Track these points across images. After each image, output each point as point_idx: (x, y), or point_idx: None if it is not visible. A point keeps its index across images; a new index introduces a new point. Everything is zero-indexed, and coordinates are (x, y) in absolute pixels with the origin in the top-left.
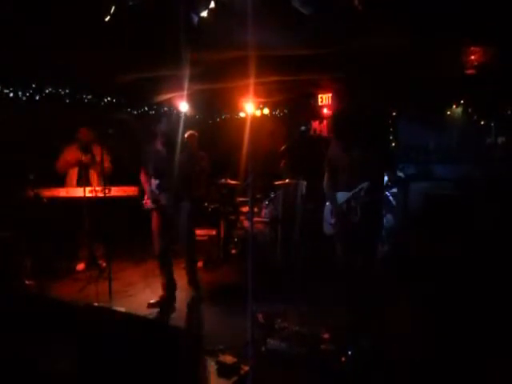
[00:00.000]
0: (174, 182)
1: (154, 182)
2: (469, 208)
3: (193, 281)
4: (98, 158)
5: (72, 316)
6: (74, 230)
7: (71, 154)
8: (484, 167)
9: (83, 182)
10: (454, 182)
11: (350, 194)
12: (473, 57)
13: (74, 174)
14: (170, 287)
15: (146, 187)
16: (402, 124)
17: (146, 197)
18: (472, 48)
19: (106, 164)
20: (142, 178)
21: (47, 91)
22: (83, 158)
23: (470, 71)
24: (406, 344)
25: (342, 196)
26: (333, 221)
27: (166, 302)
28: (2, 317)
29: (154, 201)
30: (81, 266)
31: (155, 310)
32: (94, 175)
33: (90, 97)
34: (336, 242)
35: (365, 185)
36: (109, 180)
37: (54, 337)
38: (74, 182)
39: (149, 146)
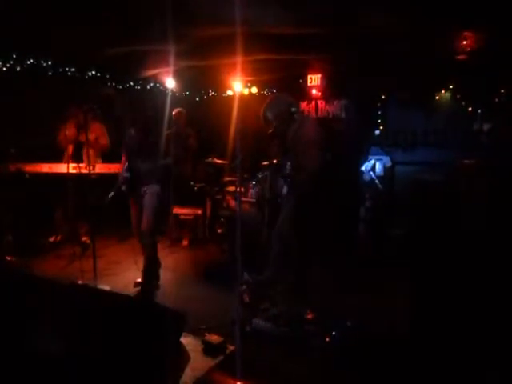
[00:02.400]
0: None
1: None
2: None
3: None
4: (93, 136)
5: (56, 294)
6: (55, 205)
7: (70, 130)
8: (469, 153)
9: (77, 158)
10: (440, 167)
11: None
12: (465, 42)
13: (71, 150)
14: (154, 266)
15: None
16: (391, 108)
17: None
18: (465, 33)
19: (104, 141)
20: (123, 158)
21: (28, 62)
22: (79, 135)
23: (461, 56)
24: (389, 324)
25: None
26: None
27: (151, 281)
28: None
29: (121, 184)
30: (52, 239)
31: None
32: (90, 152)
33: (73, 70)
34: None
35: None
36: (105, 157)
37: (37, 315)
38: (70, 158)
39: (129, 127)
